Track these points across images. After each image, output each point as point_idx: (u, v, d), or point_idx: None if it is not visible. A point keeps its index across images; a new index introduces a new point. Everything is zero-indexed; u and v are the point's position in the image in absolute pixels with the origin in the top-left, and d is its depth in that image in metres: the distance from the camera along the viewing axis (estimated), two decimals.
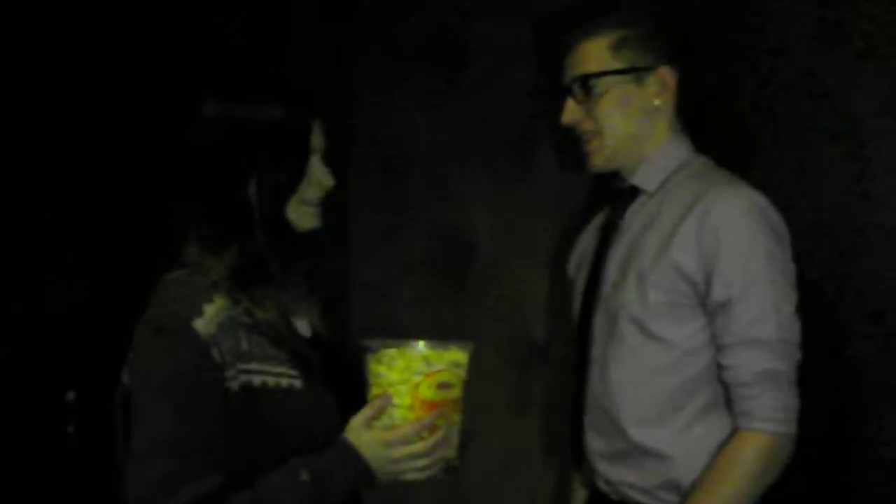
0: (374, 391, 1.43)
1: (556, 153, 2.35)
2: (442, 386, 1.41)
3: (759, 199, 1.70)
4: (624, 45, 1.77)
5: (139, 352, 1.42)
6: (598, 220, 1.93)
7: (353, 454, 1.40)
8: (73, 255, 2.87)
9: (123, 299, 1.54)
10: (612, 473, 1.77)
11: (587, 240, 1.94)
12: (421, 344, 1.42)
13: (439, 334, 1.45)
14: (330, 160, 1.54)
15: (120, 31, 2.82)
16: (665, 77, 1.78)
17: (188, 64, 2.77)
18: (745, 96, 2.06)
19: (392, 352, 1.42)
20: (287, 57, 2.68)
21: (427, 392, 1.40)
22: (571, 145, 1.86)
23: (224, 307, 1.44)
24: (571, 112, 1.80)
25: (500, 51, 2.45)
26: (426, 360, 1.41)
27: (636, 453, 1.73)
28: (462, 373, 1.44)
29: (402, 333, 1.46)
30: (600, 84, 1.77)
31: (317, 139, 1.52)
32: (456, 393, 1.43)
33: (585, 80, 1.78)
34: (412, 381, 1.40)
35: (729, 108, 2.09)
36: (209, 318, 1.41)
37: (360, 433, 1.41)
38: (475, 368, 2.35)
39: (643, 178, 1.81)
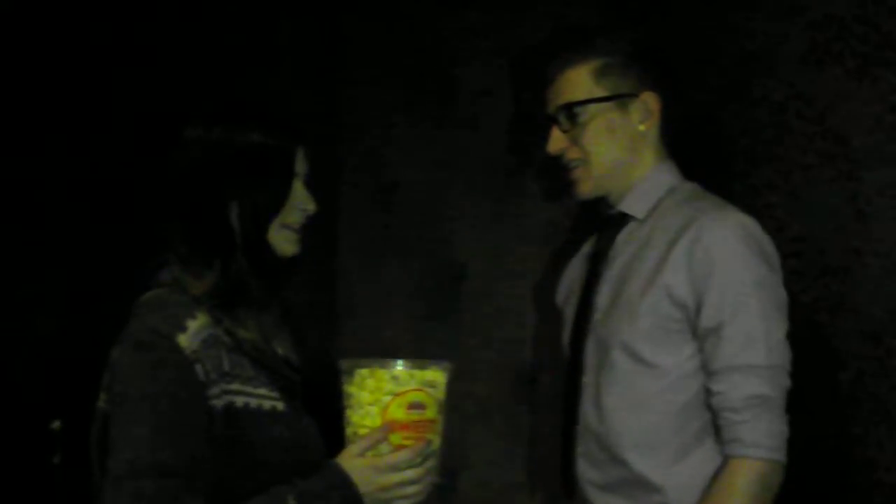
0: (348, 412, 1.41)
1: (545, 180, 2.34)
2: (413, 406, 1.37)
3: (751, 224, 1.70)
4: (606, 72, 1.78)
5: (118, 369, 1.38)
6: (587, 248, 1.92)
7: (343, 480, 1.37)
8: (58, 281, 2.83)
9: (110, 327, 1.49)
10: (605, 502, 1.74)
11: (575, 268, 1.93)
12: (394, 363, 1.38)
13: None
14: (313, 185, 1.52)
15: (104, 52, 2.80)
16: (649, 102, 1.78)
17: (174, 90, 2.74)
18: (735, 118, 2.05)
19: (363, 372, 1.39)
20: (275, 84, 2.67)
21: (397, 412, 1.37)
22: (559, 173, 1.85)
23: (207, 324, 1.41)
24: (557, 141, 1.80)
25: (488, 78, 2.44)
26: (396, 379, 1.37)
27: (630, 482, 1.71)
28: (437, 393, 1.40)
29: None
30: (585, 112, 1.78)
31: (300, 164, 1.51)
32: (430, 414, 1.38)
33: (570, 109, 1.78)
34: (382, 402, 1.37)
35: (720, 131, 2.08)
36: (193, 333, 1.38)
37: (353, 460, 1.38)
38: (465, 394, 2.36)
39: (632, 204, 1.80)
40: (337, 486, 1.37)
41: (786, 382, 1.65)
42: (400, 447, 1.37)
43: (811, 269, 1.91)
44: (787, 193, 1.97)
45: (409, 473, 1.37)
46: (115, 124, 2.81)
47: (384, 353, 1.41)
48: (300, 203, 1.50)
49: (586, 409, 1.76)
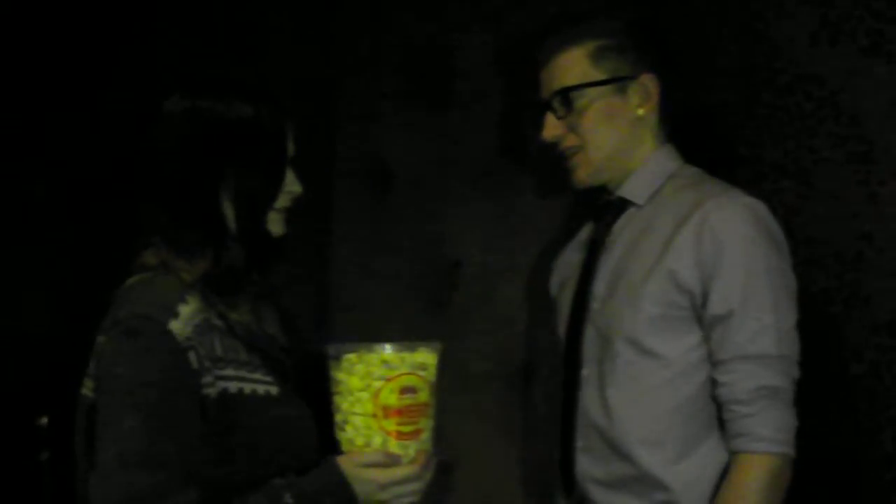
0: (337, 399, 1.36)
1: (541, 171, 2.28)
2: (406, 391, 1.32)
3: (760, 208, 1.65)
4: (603, 54, 1.72)
5: (106, 357, 1.31)
6: (582, 235, 1.87)
7: (343, 485, 1.32)
8: (47, 275, 2.78)
9: (98, 319, 1.43)
10: (607, 499, 1.68)
11: (570, 256, 1.88)
12: (383, 347, 1.33)
13: None
14: (297, 166, 1.45)
15: (88, 38, 2.74)
16: (648, 85, 1.73)
17: (162, 75, 2.69)
18: (742, 100, 1.99)
19: (351, 357, 1.34)
20: (269, 73, 2.61)
21: (389, 398, 1.32)
22: (555, 162, 1.79)
23: (199, 308, 1.34)
24: (552, 127, 1.74)
25: (485, 70, 2.40)
26: (387, 363, 1.32)
27: (635, 478, 1.65)
28: (429, 376, 1.35)
29: None
30: (582, 97, 1.72)
31: (290, 144, 1.44)
32: (423, 397, 1.34)
33: (566, 94, 1.72)
34: (373, 387, 1.32)
35: (726, 114, 2.01)
36: (185, 319, 1.32)
37: (357, 469, 1.33)
38: (459, 389, 2.30)
39: (632, 190, 1.75)
40: (337, 491, 1.32)
41: (795, 373, 1.60)
42: (396, 433, 1.32)
43: (822, 256, 1.84)
44: (796, 178, 1.90)
45: (413, 486, 1.35)
46: (103, 113, 2.76)
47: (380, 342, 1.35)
48: (288, 185, 1.44)
49: (588, 402, 1.70)
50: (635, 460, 1.63)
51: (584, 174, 1.74)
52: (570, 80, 1.72)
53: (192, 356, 1.31)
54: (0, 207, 2.74)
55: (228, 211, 1.39)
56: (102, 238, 2.72)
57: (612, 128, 1.72)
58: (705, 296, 1.60)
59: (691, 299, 1.61)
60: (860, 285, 1.81)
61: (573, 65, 1.72)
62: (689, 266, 1.61)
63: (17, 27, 2.72)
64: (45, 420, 2.65)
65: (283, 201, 1.44)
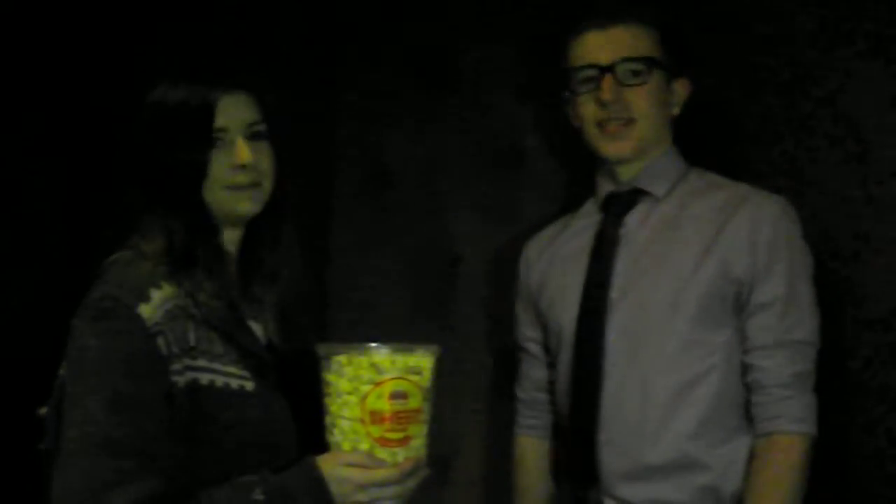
0: (326, 401, 1.32)
1: (542, 167, 2.28)
2: (396, 396, 1.28)
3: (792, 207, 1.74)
4: (667, 43, 1.76)
5: (75, 339, 1.30)
6: (576, 225, 1.87)
7: (319, 484, 1.29)
8: (48, 266, 2.78)
9: None
10: (635, 494, 1.67)
11: (563, 246, 1.87)
12: (375, 349, 1.29)
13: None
14: (253, 136, 1.43)
15: (89, 38, 2.74)
16: (685, 87, 1.79)
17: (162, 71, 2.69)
18: (741, 99, 2.00)
19: (341, 359, 1.29)
20: (270, 68, 2.61)
21: (377, 403, 1.27)
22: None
23: (172, 294, 1.33)
24: (611, 91, 1.71)
25: (485, 68, 2.40)
26: (376, 367, 1.28)
27: (672, 467, 1.65)
28: (422, 381, 1.30)
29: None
30: (651, 72, 1.73)
31: (224, 117, 1.39)
32: (414, 403, 1.29)
33: (638, 63, 1.71)
34: (361, 391, 1.27)
35: (724, 113, 2.02)
36: (156, 304, 1.30)
37: (337, 468, 1.29)
38: (459, 383, 2.30)
39: (651, 181, 1.76)
40: (312, 491, 1.29)
41: (815, 361, 1.67)
42: (383, 440, 1.28)
43: (820, 254, 1.84)
44: (793, 177, 1.92)
45: (393, 491, 1.30)
46: (103, 113, 2.75)
47: (376, 340, 1.33)
48: (227, 159, 1.39)
49: (617, 395, 1.68)
50: (676, 449, 1.64)
51: (630, 146, 1.73)
52: (645, 52, 1.72)
53: (160, 341, 1.29)
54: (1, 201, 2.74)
55: (168, 188, 1.39)
56: (104, 229, 2.72)
57: (659, 111, 1.75)
58: (752, 285, 1.64)
59: (738, 288, 1.65)
60: (856, 283, 1.83)
61: (646, 39, 1.73)
62: (744, 257, 1.65)
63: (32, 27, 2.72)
64: (44, 410, 2.65)
65: (227, 177, 1.40)
